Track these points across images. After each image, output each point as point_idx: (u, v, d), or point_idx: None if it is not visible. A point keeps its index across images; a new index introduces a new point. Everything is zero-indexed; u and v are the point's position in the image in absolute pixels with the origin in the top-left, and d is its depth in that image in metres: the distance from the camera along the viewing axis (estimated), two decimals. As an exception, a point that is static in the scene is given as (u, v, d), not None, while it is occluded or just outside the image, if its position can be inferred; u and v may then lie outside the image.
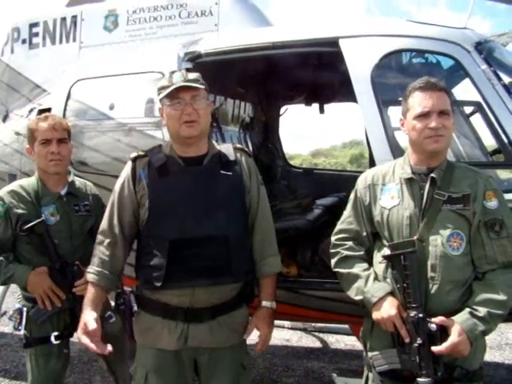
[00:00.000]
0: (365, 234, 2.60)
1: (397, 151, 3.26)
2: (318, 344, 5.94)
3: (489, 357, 5.32)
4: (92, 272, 2.64)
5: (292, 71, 4.98)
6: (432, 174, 2.42)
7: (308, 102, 6.50)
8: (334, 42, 3.61)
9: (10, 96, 5.35)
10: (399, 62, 3.76)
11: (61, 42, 5.01)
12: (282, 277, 3.51)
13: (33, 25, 5.18)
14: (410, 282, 2.32)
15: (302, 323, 5.86)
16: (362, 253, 2.58)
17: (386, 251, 2.44)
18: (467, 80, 3.39)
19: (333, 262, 2.64)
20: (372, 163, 3.43)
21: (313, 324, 5.82)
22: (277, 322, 2.94)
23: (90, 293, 2.63)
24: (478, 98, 3.30)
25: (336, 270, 2.62)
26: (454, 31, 3.51)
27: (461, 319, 2.27)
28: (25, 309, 2.99)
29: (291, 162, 7.55)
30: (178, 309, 2.54)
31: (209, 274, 2.50)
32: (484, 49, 3.40)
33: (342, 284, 2.60)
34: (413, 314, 2.31)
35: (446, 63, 3.68)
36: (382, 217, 2.51)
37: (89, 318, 2.52)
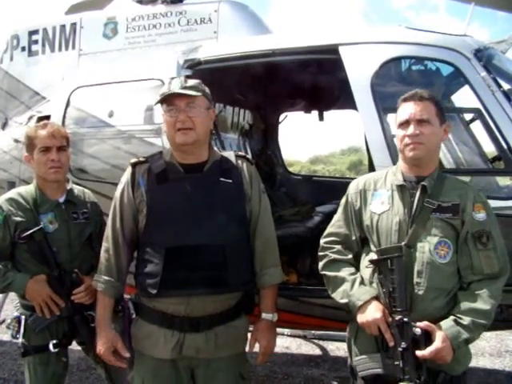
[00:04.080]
0: (354, 238, 2.62)
1: (397, 158, 3.25)
2: (317, 351, 5.90)
3: (489, 364, 5.32)
4: (100, 281, 2.65)
5: (291, 78, 4.98)
6: (423, 183, 2.45)
7: (307, 110, 6.50)
8: (333, 49, 3.62)
9: (9, 103, 5.36)
10: (399, 69, 3.76)
11: (60, 49, 5.02)
12: (282, 284, 3.50)
13: (32, 32, 5.20)
14: (397, 287, 2.34)
15: (302, 330, 5.83)
16: (349, 257, 2.60)
17: (374, 256, 2.47)
18: (467, 87, 3.39)
19: (320, 264, 2.66)
20: (372, 170, 3.42)
21: (312, 331, 5.79)
22: (277, 330, 2.92)
23: (102, 304, 2.65)
24: (478, 105, 3.30)
25: (323, 272, 2.64)
26: (453, 38, 3.52)
27: (445, 326, 2.29)
28: (23, 317, 2.97)
29: (290, 169, 7.54)
30: (174, 317, 2.51)
31: (204, 283, 2.46)
32: (483, 56, 3.41)
33: (328, 287, 2.61)
34: (398, 318, 2.32)
35: (446, 70, 3.68)
36: (371, 221, 2.53)
37: (114, 336, 2.62)
